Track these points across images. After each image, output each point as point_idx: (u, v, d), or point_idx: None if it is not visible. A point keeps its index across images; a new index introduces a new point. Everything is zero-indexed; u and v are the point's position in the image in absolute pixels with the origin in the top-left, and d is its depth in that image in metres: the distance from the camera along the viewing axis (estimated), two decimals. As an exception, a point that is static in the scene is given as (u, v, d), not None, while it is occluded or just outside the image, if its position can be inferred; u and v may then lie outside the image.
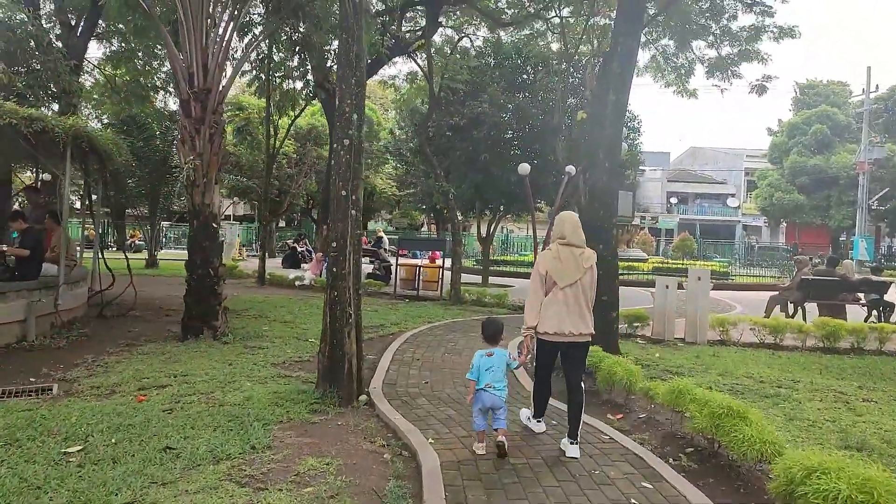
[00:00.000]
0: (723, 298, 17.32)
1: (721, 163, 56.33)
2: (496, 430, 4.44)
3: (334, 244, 5.80)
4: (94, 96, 29.86)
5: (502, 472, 4.10)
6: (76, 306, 9.70)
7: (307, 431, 4.90)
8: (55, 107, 20.41)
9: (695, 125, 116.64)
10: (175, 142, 8.93)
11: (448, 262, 16.64)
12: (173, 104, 25.35)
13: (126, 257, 10.84)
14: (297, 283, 16.92)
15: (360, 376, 5.97)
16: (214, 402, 5.50)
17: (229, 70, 10.59)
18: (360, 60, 6.01)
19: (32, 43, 15.03)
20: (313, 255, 21.11)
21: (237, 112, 26.27)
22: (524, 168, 12.71)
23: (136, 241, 32.63)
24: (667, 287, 10.17)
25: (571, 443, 4.49)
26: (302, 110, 18.20)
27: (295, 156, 32.85)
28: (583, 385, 4.70)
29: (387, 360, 7.62)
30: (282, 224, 45.03)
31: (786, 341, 9.73)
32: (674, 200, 55.27)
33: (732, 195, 54.77)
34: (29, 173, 16.61)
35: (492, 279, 20.56)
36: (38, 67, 14.51)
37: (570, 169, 14.58)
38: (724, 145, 62.32)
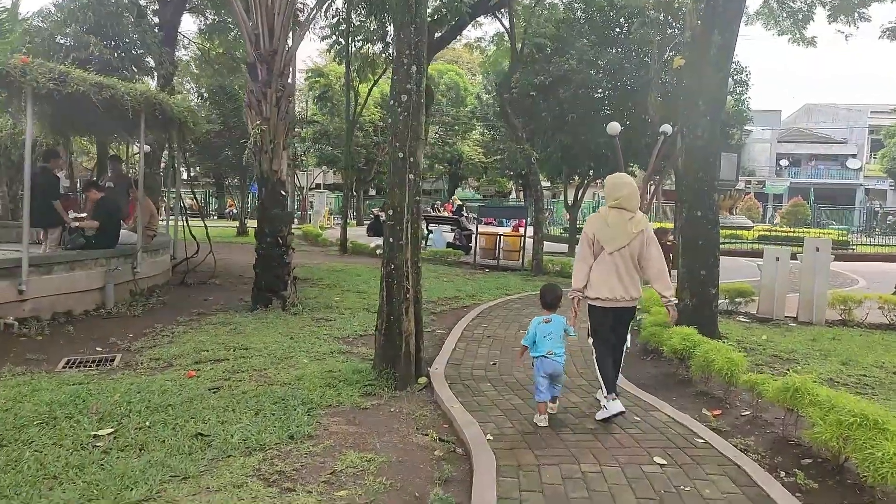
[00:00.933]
0: (843, 271, 15.48)
1: (840, 121, 51.01)
2: (552, 397, 4.44)
3: (391, 212, 5.25)
4: (193, 70, 30.86)
5: (569, 482, 3.45)
6: (156, 273, 9.81)
7: (355, 418, 4.44)
8: (151, 81, 20.93)
9: (810, 83, 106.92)
10: (243, 107, 8.65)
11: (531, 231, 15.87)
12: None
13: (205, 225, 10.85)
14: (378, 251, 16.71)
15: (420, 357, 5.45)
16: (264, 381, 5.16)
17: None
18: (420, 5, 5.34)
19: (128, 16, 15.34)
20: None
21: (317, 79, 26.19)
22: (614, 127, 11.66)
23: (234, 210, 33.90)
24: (777, 259, 8.96)
25: (615, 398, 4.38)
26: (382, 74, 17.75)
27: (381, 123, 32.71)
28: (627, 345, 4.72)
29: (455, 336, 7.08)
30: (372, 192, 45.45)
31: (923, 323, 8.33)
32: (784, 163, 50.88)
33: (853, 156, 49.68)
34: (136, 147, 17.20)
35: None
36: (128, 41, 14.83)
37: (666, 128, 13.30)
38: (844, 101, 56.45)
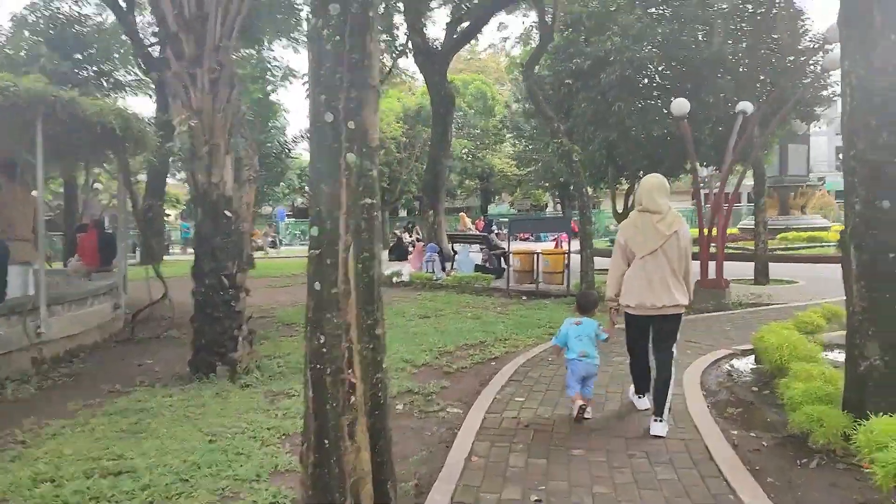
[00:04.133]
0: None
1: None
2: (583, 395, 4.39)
3: (315, 229, 2.64)
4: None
5: None
6: (81, 331, 7.43)
7: None
8: (128, 99, 18.96)
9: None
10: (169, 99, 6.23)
11: (577, 246, 13.10)
12: (280, 94, 23.50)
13: (156, 265, 8.41)
14: (394, 279, 14.16)
15: (390, 513, 2.78)
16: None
17: None
18: None
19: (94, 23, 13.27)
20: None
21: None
22: (681, 105, 8.87)
23: (256, 240, 31.83)
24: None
25: (656, 420, 4.06)
26: (387, 74, 15.33)
27: (405, 139, 30.63)
28: (672, 361, 4.20)
29: (472, 425, 4.38)
30: (403, 213, 43.47)
31: None
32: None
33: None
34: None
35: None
36: (91, 52, 12.74)
37: (745, 106, 10.44)
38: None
